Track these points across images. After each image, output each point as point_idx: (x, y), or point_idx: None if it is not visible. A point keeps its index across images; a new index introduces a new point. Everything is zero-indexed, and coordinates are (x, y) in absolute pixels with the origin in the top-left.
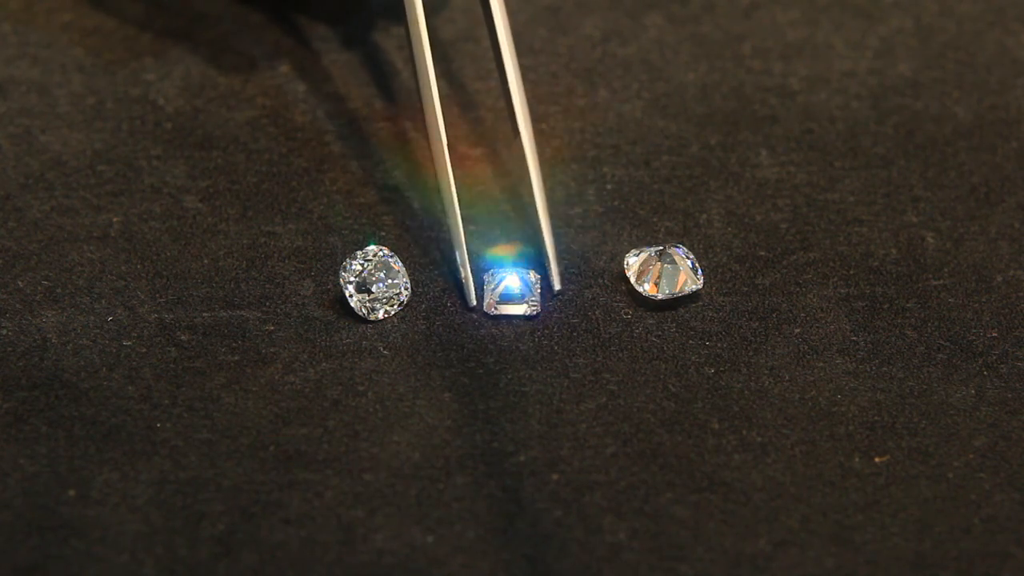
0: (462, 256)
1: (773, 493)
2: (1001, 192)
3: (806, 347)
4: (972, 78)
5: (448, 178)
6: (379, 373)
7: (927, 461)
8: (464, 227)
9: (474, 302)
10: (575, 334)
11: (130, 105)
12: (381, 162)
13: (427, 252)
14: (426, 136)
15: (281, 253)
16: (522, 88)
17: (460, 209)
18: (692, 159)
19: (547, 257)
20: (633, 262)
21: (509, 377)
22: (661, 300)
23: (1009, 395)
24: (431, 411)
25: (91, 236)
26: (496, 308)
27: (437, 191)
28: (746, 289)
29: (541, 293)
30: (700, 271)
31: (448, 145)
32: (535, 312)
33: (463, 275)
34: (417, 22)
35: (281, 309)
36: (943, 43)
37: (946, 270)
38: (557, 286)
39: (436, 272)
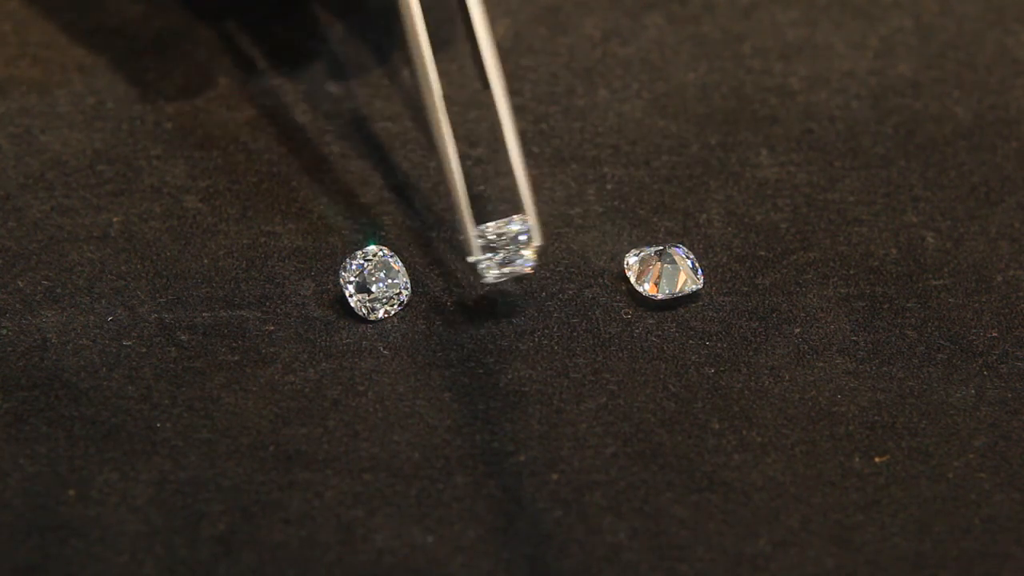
0: (461, 206)
1: (773, 493)
2: (1001, 192)
3: (806, 347)
4: (972, 78)
5: (444, 124)
6: (379, 373)
7: (927, 461)
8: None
9: (476, 255)
10: (575, 334)
11: (130, 105)
12: (381, 162)
13: (427, 252)
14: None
15: (281, 253)
16: (490, 35)
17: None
18: (692, 159)
19: (527, 210)
20: (633, 262)
21: (509, 377)
22: (661, 300)
23: (1009, 395)
24: (431, 411)
25: (91, 236)
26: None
27: (433, 140)
28: (746, 289)
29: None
30: (700, 271)
31: (444, 95)
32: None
33: (464, 227)
34: None
35: (281, 309)
36: (943, 43)
37: (946, 270)
38: (538, 241)
39: (436, 272)
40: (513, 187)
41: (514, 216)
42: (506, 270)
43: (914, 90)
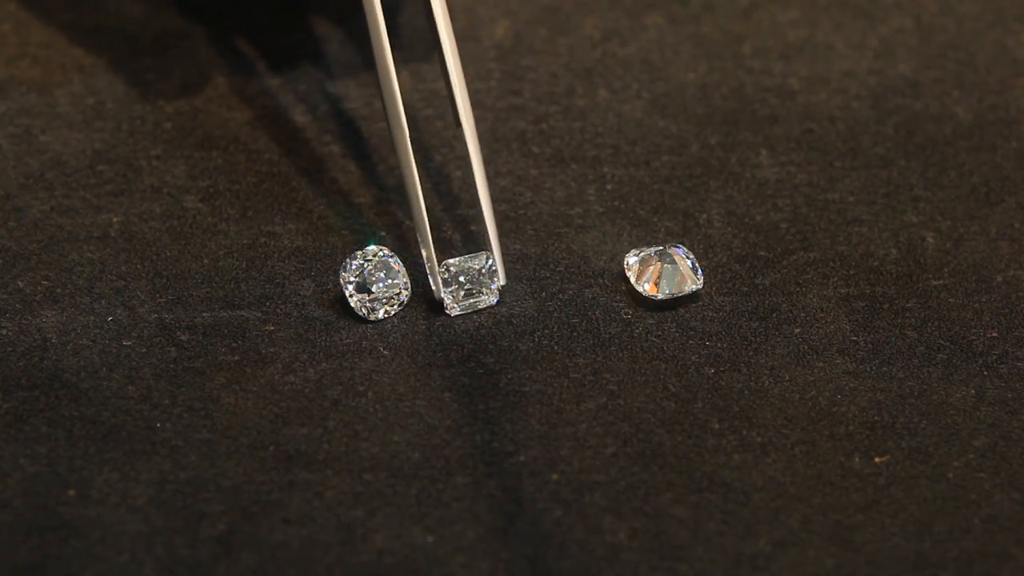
0: (427, 248)
1: (773, 493)
2: (1001, 192)
3: (806, 347)
4: (972, 78)
5: (411, 166)
6: (379, 373)
7: (927, 461)
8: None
9: (441, 295)
10: (575, 334)
11: (130, 105)
12: (381, 162)
13: None
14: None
15: (281, 253)
16: (462, 77)
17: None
18: (692, 159)
19: (492, 249)
20: (633, 262)
21: (509, 377)
22: (661, 300)
23: (1009, 395)
24: (431, 411)
25: (91, 236)
26: (459, 307)
27: (401, 180)
28: (746, 289)
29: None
30: (700, 271)
31: (410, 133)
32: (496, 299)
33: (428, 267)
34: (375, 10)
35: (281, 309)
36: (943, 43)
37: (946, 270)
38: (502, 280)
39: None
40: (480, 224)
41: (480, 252)
42: (471, 301)
43: (914, 90)
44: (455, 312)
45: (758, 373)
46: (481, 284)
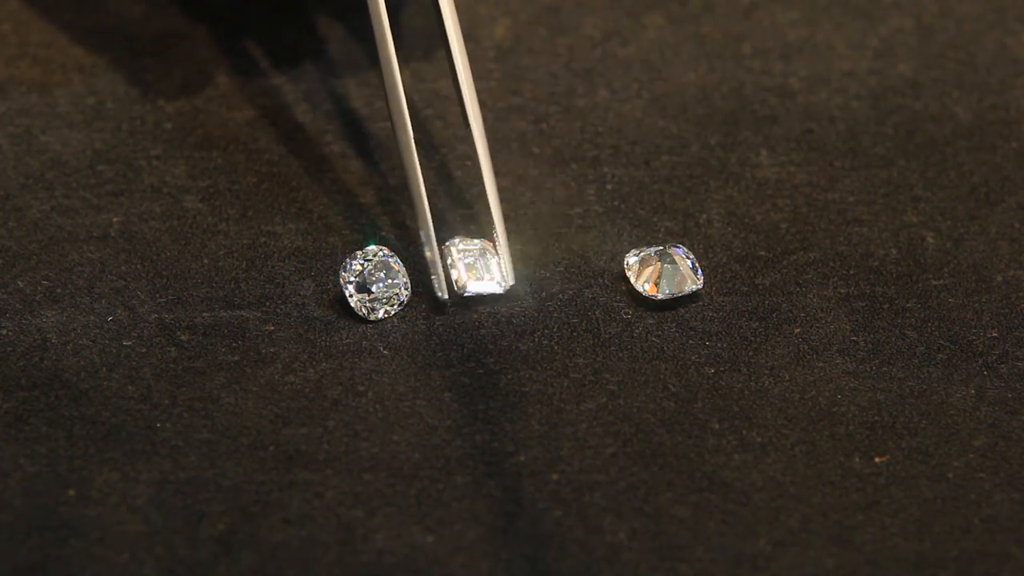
0: (429, 240)
1: (773, 493)
2: (1001, 192)
3: (806, 347)
4: (972, 78)
5: (414, 164)
6: (379, 373)
7: (927, 461)
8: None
9: (445, 295)
10: (575, 334)
11: (130, 105)
12: (382, 161)
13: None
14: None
15: (281, 253)
16: (471, 80)
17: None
18: (692, 159)
19: (500, 249)
20: (633, 262)
21: (509, 377)
22: (661, 300)
23: (1009, 395)
24: (431, 411)
25: (91, 236)
26: (468, 288)
27: (401, 167)
28: (746, 289)
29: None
30: (700, 271)
31: (415, 124)
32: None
33: (431, 266)
34: (379, 8)
35: (281, 309)
36: (943, 43)
37: (946, 270)
38: (510, 280)
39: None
40: (487, 224)
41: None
42: (478, 281)
43: (914, 90)
44: (467, 292)
45: (758, 373)
46: (486, 260)
